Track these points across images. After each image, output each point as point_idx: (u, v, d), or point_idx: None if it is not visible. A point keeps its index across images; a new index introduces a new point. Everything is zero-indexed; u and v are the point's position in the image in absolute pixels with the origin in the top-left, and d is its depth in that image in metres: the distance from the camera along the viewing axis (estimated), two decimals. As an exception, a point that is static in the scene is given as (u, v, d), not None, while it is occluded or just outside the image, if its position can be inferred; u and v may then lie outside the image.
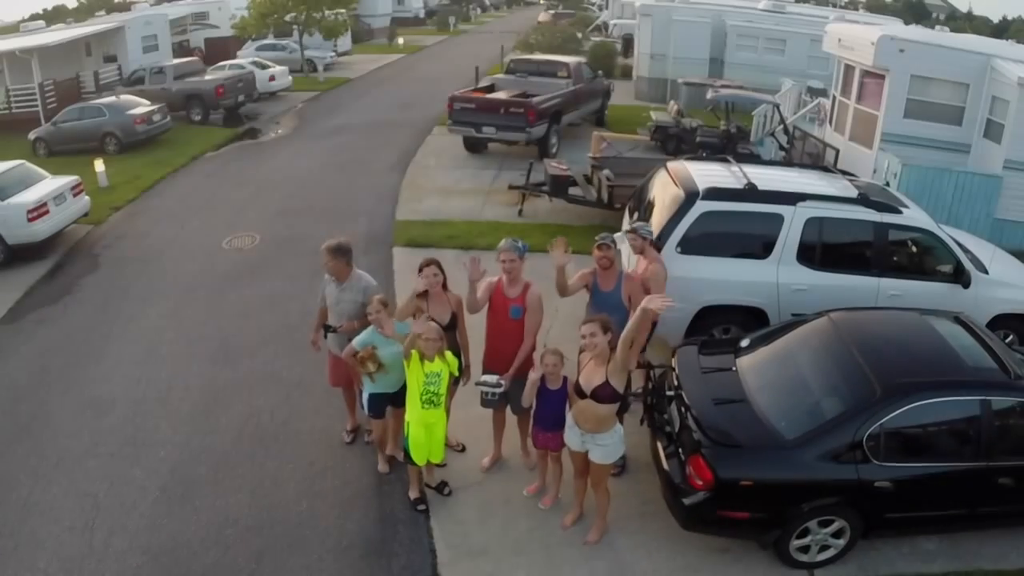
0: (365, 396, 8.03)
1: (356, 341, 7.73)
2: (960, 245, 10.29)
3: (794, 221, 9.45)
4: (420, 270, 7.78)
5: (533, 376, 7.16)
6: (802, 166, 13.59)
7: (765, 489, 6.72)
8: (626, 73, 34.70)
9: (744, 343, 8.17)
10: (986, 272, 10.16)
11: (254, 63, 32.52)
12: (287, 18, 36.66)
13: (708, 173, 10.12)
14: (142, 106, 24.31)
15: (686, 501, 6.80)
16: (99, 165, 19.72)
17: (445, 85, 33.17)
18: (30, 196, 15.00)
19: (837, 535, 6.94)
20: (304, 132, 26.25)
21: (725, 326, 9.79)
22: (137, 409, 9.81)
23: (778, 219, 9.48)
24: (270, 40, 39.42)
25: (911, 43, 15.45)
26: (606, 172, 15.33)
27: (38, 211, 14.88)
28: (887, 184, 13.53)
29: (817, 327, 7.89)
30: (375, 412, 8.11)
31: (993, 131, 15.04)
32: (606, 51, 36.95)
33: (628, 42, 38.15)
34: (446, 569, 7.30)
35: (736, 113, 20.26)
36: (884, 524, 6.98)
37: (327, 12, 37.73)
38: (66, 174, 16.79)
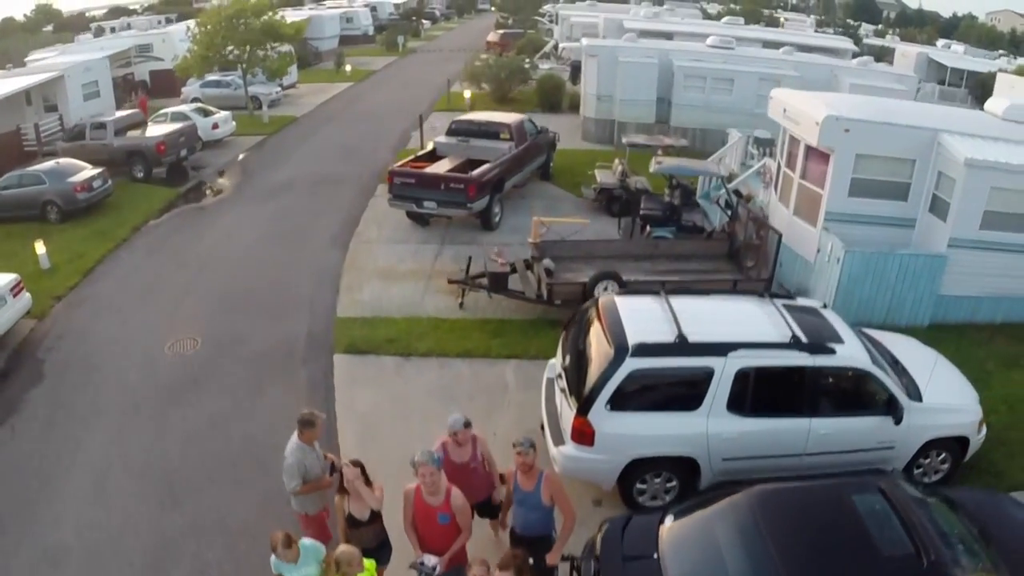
0: None
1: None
2: (897, 364, 10.25)
3: (724, 372, 9.40)
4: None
5: None
6: (736, 293, 13.64)
7: None
8: (574, 105, 34.29)
9: (667, 521, 7.96)
10: (920, 399, 10.14)
11: (197, 110, 31.73)
12: (230, 57, 36.07)
13: (638, 317, 10.07)
14: (83, 172, 23.42)
15: None
16: (40, 247, 19.15)
17: (391, 123, 33.37)
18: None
19: None
20: (245, 192, 25.83)
21: (656, 472, 9.80)
22: (91, 562, 9.74)
23: (708, 372, 9.43)
24: (215, 76, 38.63)
25: (857, 122, 15.06)
26: (546, 262, 15.25)
27: (-23, 323, 14.46)
28: (828, 260, 13.57)
29: (737, 507, 7.65)
30: None
31: (939, 207, 14.88)
32: (554, 84, 36.86)
33: (577, 68, 37.72)
34: None
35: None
36: None
37: (271, 48, 37.18)
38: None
